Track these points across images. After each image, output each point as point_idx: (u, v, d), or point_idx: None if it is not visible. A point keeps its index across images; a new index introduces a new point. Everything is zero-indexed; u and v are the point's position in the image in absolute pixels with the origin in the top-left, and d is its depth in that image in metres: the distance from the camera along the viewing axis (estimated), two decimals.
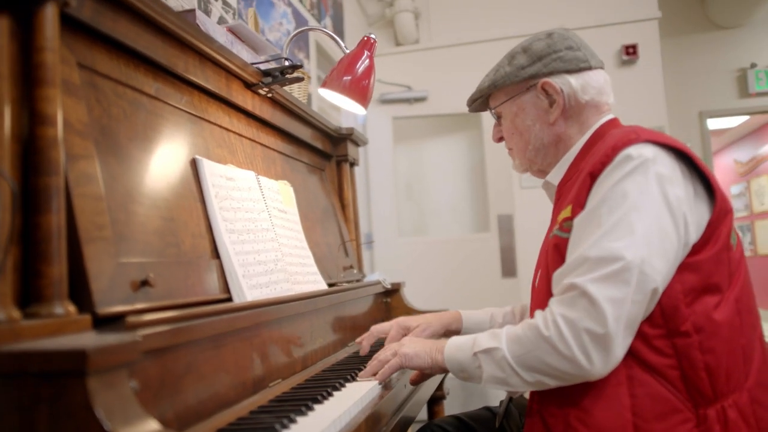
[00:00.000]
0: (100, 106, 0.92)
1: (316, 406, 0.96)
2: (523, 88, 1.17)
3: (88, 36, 0.92)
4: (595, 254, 0.91)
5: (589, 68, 1.14)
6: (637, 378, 0.93)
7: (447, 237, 4.26)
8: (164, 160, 1.06)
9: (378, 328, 1.38)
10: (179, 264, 0.99)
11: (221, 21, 2.12)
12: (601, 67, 1.17)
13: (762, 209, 7.38)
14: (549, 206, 1.22)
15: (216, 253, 1.13)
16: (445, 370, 1.09)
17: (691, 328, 0.92)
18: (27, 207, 0.72)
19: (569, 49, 1.14)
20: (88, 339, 0.66)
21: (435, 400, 1.97)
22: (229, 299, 1.11)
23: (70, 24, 0.88)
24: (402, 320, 1.37)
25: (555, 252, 1.03)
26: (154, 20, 1.02)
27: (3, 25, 0.69)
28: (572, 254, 0.97)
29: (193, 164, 1.15)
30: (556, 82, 1.13)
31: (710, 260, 0.95)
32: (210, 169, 1.17)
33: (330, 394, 1.04)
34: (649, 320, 0.93)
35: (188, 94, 1.20)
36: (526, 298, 1.46)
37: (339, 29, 3.67)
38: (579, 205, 0.99)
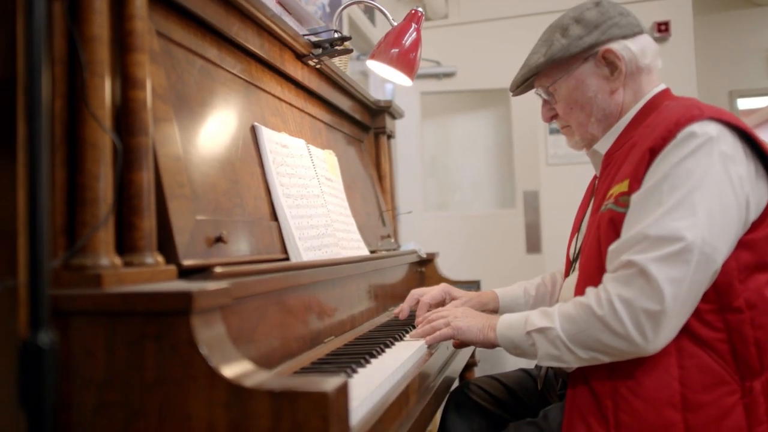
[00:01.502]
0: (176, 72, 0.98)
1: (373, 360, 1.02)
2: (580, 59, 1.14)
3: (164, 5, 0.97)
4: (655, 233, 0.92)
5: (641, 32, 1.14)
6: (686, 350, 0.96)
7: (473, 212, 4.30)
8: (228, 126, 1.12)
9: (418, 291, 1.40)
10: (244, 223, 1.05)
11: None
12: (648, 33, 1.17)
13: None
14: (575, 183, 1.22)
15: (274, 216, 1.18)
16: (495, 346, 1.12)
17: (743, 304, 0.95)
18: (121, 165, 0.78)
19: (621, 15, 1.13)
20: (184, 285, 0.72)
21: (467, 367, 2.04)
22: (287, 259, 1.17)
23: None
24: (447, 286, 1.41)
25: (610, 226, 1.02)
26: None
27: None
28: (629, 230, 0.97)
29: (252, 131, 1.20)
30: (617, 47, 1.11)
31: (766, 238, 0.97)
32: (268, 136, 1.23)
33: (383, 351, 1.10)
34: (702, 295, 0.95)
35: (246, 63, 1.25)
36: None
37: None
38: (637, 180, 0.99)
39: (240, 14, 1.17)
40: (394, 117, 2.20)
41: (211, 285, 0.70)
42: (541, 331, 1.02)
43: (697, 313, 0.96)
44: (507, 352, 1.10)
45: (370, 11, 3.59)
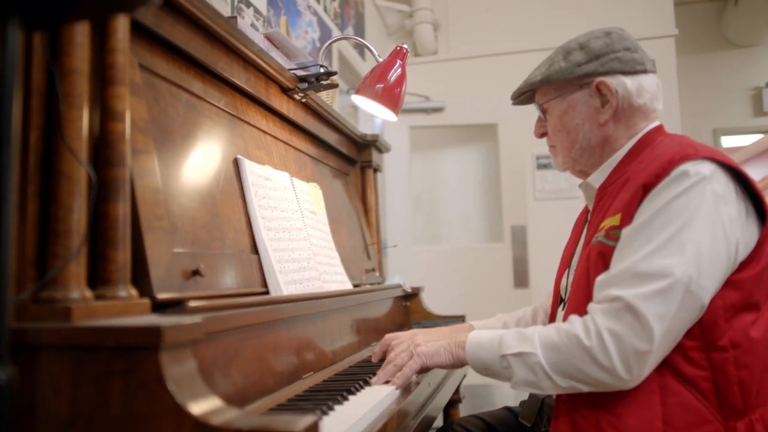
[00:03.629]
0: (158, 105, 0.98)
1: (351, 397, 1.01)
2: (576, 85, 1.15)
3: (149, 39, 0.98)
4: (644, 269, 0.92)
5: (645, 71, 1.13)
6: (670, 387, 0.95)
7: (460, 246, 4.31)
8: (210, 159, 1.12)
9: (391, 337, 1.29)
10: (224, 257, 1.04)
11: (252, 28, 2.18)
12: (655, 72, 1.16)
13: None
14: (562, 218, 1.23)
15: (255, 249, 1.18)
16: (465, 364, 1.09)
17: (728, 343, 0.94)
18: (97, 196, 0.77)
19: (627, 50, 1.12)
20: (156, 319, 0.71)
21: (451, 404, 2.01)
22: (267, 293, 1.16)
23: (134, 28, 0.93)
24: (417, 331, 1.34)
25: (599, 259, 1.02)
26: (206, 25, 1.07)
27: (84, 28, 0.75)
28: (618, 264, 0.97)
29: (235, 163, 1.21)
30: (612, 82, 1.11)
31: (753, 279, 0.97)
32: (250, 169, 1.23)
33: (361, 387, 1.08)
34: (687, 332, 0.95)
35: (231, 96, 1.26)
36: None
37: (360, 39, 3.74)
38: (629, 215, 0.99)
39: (226, 49, 1.19)
40: (380, 151, 2.22)
41: (182, 320, 0.69)
42: (519, 355, 0.99)
43: (682, 350, 0.96)
44: (477, 372, 1.07)
45: (360, 46, 3.65)
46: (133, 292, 0.79)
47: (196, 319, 0.72)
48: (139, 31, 0.95)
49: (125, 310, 0.76)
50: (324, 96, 1.92)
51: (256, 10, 2.25)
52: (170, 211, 0.93)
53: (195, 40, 1.08)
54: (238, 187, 1.19)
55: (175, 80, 1.05)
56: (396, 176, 4.21)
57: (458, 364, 1.10)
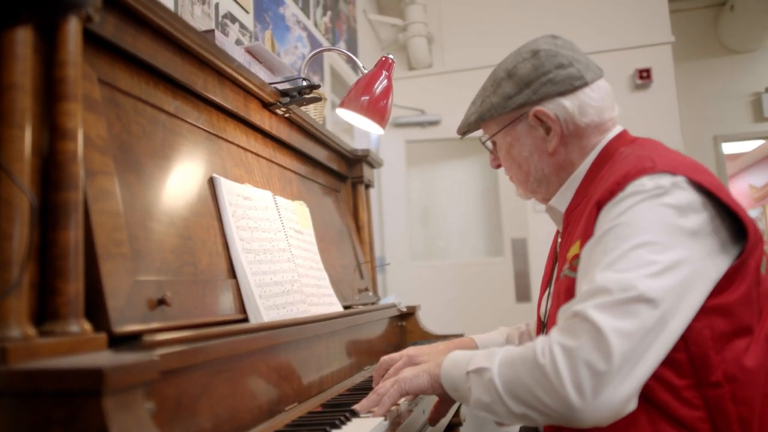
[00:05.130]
0: (120, 122, 0.92)
1: (334, 431, 0.93)
2: (514, 117, 1.07)
3: (109, 52, 0.92)
4: (601, 283, 0.81)
5: (585, 84, 1.03)
6: None
7: (460, 261, 4.23)
8: (182, 178, 1.05)
9: (387, 359, 1.22)
10: (196, 283, 0.97)
11: (238, 43, 2.13)
12: (600, 77, 1.06)
13: None
14: None
15: (232, 273, 1.11)
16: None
17: (722, 377, 0.84)
18: (45, 222, 0.71)
19: (560, 68, 1.03)
20: (104, 357, 0.63)
21: (450, 427, 1.92)
22: (245, 320, 1.08)
23: (92, 40, 0.87)
24: (412, 350, 1.23)
25: (567, 295, 0.93)
26: (175, 38, 1.01)
27: (27, 38, 0.69)
28: (580, 289, 0.88)
29: (211, 183, 1.14)
30: (549, 108, 1.03)
31: (740, 301, 0.87)
32: (227, 188, 1.16)
33: (348, 420, 1.01)
34: (676, 369, 0.85)
35: (207, 112, 1.20)
36: None
37: (353, 54, 3.69)
38: (587, 238, 0.91)
39: (199, 63, 1.12)
40: (372, 166, 2.15)
41: (133, 358, 0.62)
42: (478, 372, 0.87)
43: (673, 390, 0.86)
44: (451, 396, 0.96)
45: (352, 61, 3.61)
46: (87, 326, 0.72)
47: (152, 356, 0.65)
48: (98, 43, 0.89)
49: (76, 347, 0.69)
50: (312, 111, 1.86)
51: (242, 25, 2.20)
52: (134, 236, 0.86)
53: (163, 54, 1.02)
54: (214, 208, 1.12)
55: (142, 96, 0.98)
56: (393, 192, 4.15)
57: (436, 385, 0.98)
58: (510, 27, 4.20)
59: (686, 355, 0.85)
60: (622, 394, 0.77)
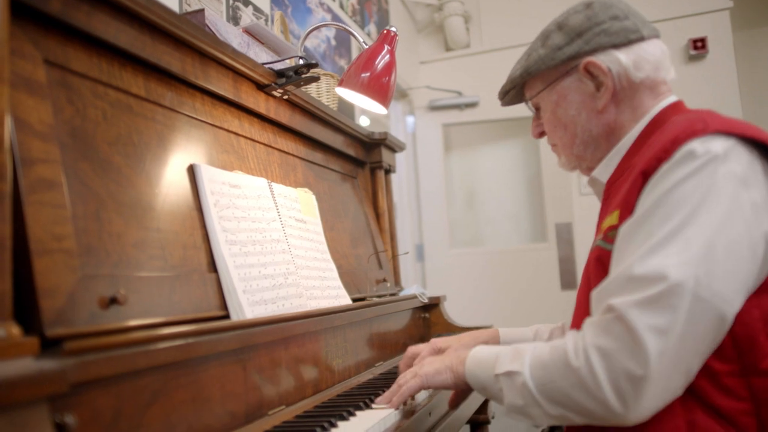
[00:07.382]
0: (73, 106, 0.85)
1: None
2: (562, 71, 0.99)
3: (60, 32, 0.85)
4: (638, 271, 0.74)
5: (642, 39, 0.95)
6: (700, 425, 0.76)
7: (502, 248, 4.07)
8: (153, 166, 0.98)
9: (414, 350, 1.18)
10: (163, 279, 0.90)
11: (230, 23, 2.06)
12: (657, 36, 0.98)
13: None
14: None
15: (214, 267, 1.03)
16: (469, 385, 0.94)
17: None
18: None
19: (614, 19, 0.95)
20: (11, 367, 0.56)
21: (478, 425, 1.82)
22: (226, 316, 1.01)
23: (36, 18, 0.81)
24: (436, 341, 1.19)
25: (597, 266, 0.87)
26: (138, 13, 0.94)
27: None
28: (616, 268, 0.80)
29: (191, 171, 1.07)
30: (602, 60, 0.95)
31: None
32: (210, 176, 1.08)
33: (333, 425, 0.92)
34: (718, 353, 0.76)
35: (189, 96, 1.12)
36: None
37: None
38: (628, 210, 0.83)
39: (173, 42, 1.05)
40: (393, 150, 2.04)
41: (33, 366, 0.54)
42: (508, 375, 0.84)
43: (713, 376, 0.76)
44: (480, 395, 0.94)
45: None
46: (15, 330, 0.65)
47: (64, 363, 0.57)
48: (44, 21, 0.82)
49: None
50: (324, 94, 1.77)
51: (256, 8, 2.13)
52: (84, 229, 0.79)
53: (127, 32, 0.95)
54: (194, 198, 1.05)
55: (102, 78, 0.91)
56: (430, 177, 4.03)
57: (460, 382, 0.94)
58: (548, 4, 3.98)
59: (730, 338, 0.75)
60: (665, 392, 0.73)
